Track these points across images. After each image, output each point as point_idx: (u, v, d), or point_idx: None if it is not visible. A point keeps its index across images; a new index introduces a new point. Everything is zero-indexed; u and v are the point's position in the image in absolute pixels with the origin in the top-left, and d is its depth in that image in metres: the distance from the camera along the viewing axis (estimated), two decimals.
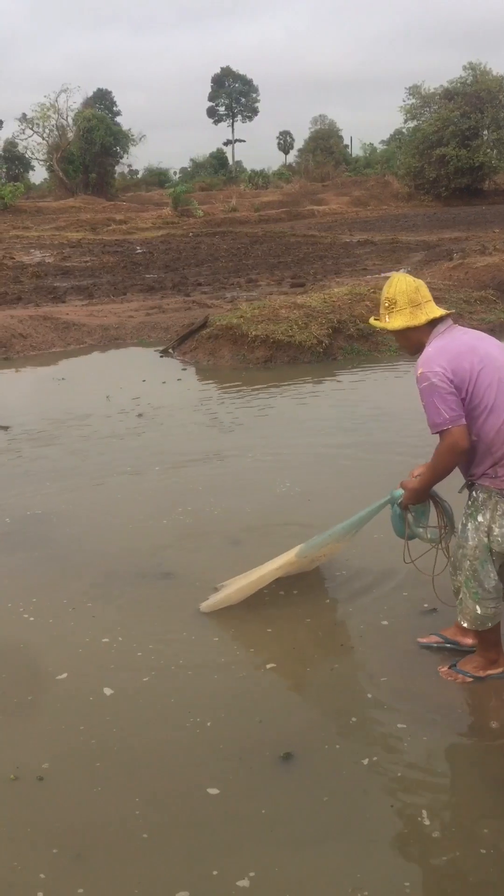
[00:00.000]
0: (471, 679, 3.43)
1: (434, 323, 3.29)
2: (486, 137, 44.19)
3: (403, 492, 3.52)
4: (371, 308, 10.60)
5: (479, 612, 3.33)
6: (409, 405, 4.68)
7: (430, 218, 33.50)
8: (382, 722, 3.21)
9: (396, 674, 3.52)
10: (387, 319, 3.34)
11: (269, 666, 3.59)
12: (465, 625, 3.40)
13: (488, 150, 43.74)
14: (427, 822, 2.66)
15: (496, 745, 3.09)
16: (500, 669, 3.46)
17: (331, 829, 2.64)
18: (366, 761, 2.97)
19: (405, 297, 3.28)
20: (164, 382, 8.89)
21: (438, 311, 3.31)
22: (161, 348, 10.71)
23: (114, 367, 10.36)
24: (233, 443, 6.78)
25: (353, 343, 10.03)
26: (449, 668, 3.51)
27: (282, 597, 4.20)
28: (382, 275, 16.24)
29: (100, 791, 2.87)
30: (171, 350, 10.56)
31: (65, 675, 3.56)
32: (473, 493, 3.31)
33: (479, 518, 3.26)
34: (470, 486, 3.33)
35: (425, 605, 4.02)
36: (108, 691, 3.43)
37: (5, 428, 7.20)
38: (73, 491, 5.77)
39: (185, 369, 9.74)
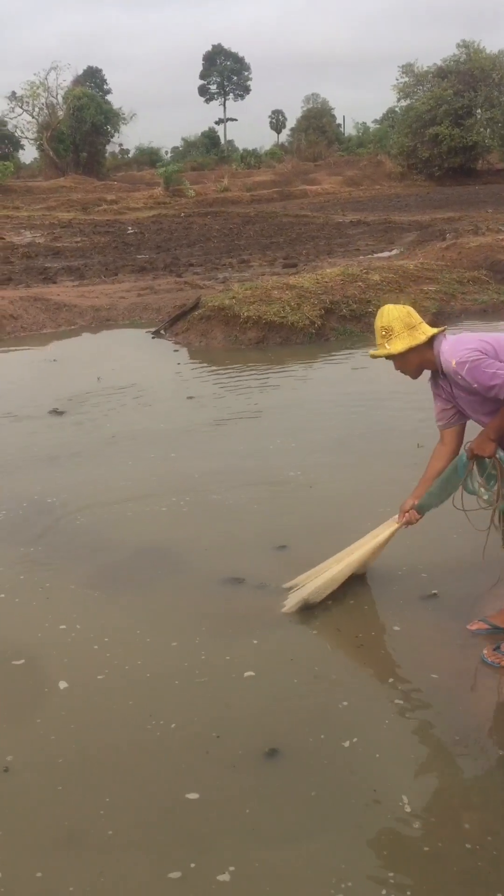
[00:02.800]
0: None
1: (431, 341, 3.45)
2: (479, 116, 43.90)
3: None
4: (364, 289, 10.59)
5: None
6: None
7: (423, 198, 33.35)
8: (370, 715, 3.15)
9: (384, 665, 3.51)
10: (387, 347, 3.47)
11: (253, 666, 3.46)
12: None
13: (481, 130, 43.49)
14: (408, 810, 2.66)
15: (482, 734, 3.09)
16: None
17: (317, 823, 2.63)
18: (347, 744, 2.97)
19: (399, 322, 3.45)
20: (190, 398, 7.88)
21: (434, 329, 3.49)
22: (153, 329, 10.66)
23: (105, 349, 10.30)
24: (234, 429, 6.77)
25: (345, 324, 10.01)
26: (493, 650, 3.48)
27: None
28: (375, 255, 16.20)
29: (65, 789, 2.83)
30: (162, 331, 10.52)
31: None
32: None
33: None
34: None
35: (433, 592, 4.02)
36: (107, 686, 3.43)
37: (60, 413, 7.12)
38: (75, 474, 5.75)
39: (176, 350, 9.71)
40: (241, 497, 5.24)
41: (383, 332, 3.48)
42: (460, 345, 3.34)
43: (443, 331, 3.51)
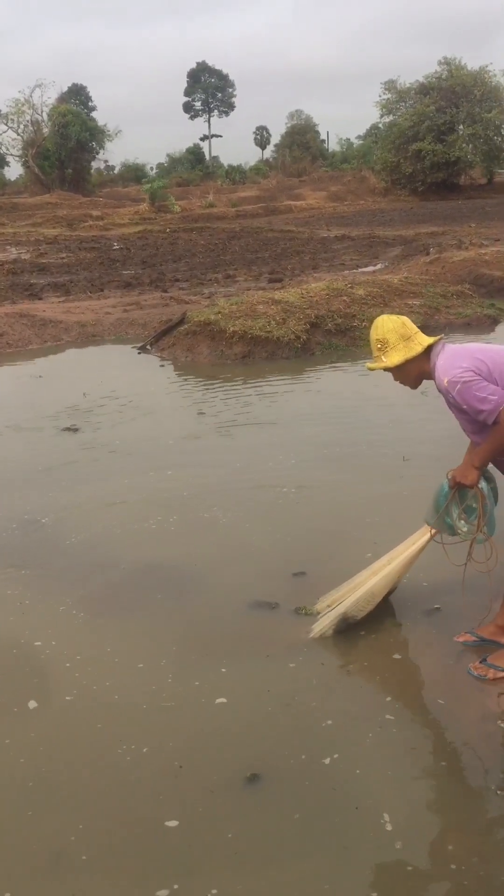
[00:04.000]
0: (503, 674, 3.38)
1: (428, 351, 3.39)
2: (461, 132, 44.42)
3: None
4: (349, 303, 10.65)
5: None
6: None
7: (407, 213, 33.62)
8: (353, 732, 3.12)
9: (366, 681, 3.47)
10: (383, 360, 3.41)
11: (227, 692, 3.38)
12: None
13: (464, 145, 43.98)
14: (389, 828, 2.63)
15: (467, 751, 3.07)
16: None
17: (301, 845, 2.59)
18: (328, 761, 2.95)
19: (395, 334, 3.39)
20: (204, 414, 8.60)
21: (430, 339, 3.43)
22: (139, 345, 10.67)
23: (91, 364, 10.30)
24: (219, 443, 6.77)
25: (330, 338, 10.05)
26: (480, 662, 3.46)
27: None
28: (359, 270, 16.31)
29: (35, 814, 2.78)
30: (148, 346, 10.53)
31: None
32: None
33: None
34: None
35: (435, 606, 4.02)
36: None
37: (74, 430, 7.10)
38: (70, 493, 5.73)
39: (163, 366, 9.72)
40: (236, 513, 5.18)
41: (379, 345, 3.42)
42: (456, 360, 3.27)
43: (439, 340, 3.44)
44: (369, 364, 3.52)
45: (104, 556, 4.66)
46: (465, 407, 3.23)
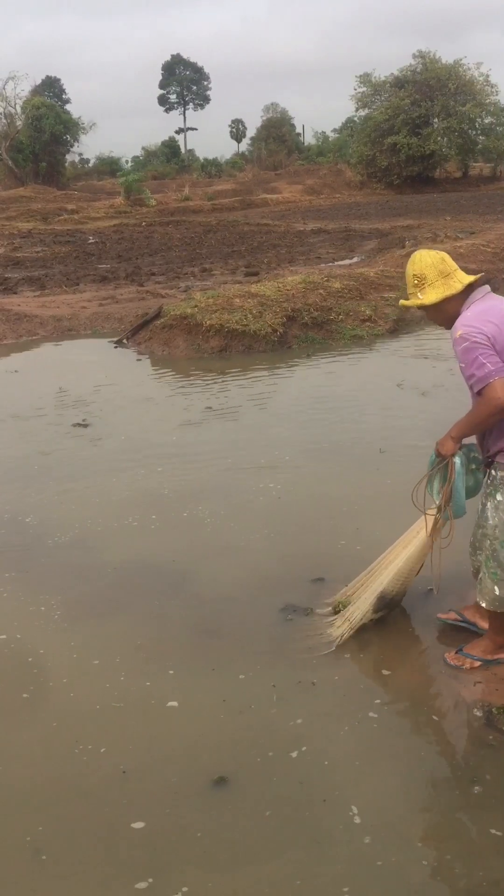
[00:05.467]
0: (479, 664, 3.40)
1: (468, 290, 3.21)
2: (436, 126, 44.62)
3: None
4: (325, 296, 10.67)
5: (497, 593, 3.27)
6: None
7: (383, 206, 33.69)
8: (321, 726, 3.11)
9: (330, 672, 3.44)
10: (419, 297, 3.21)
11: (179, 695, 3.32)
12: (484, 605, 3.35)
13: (439, 139, 44.19)
14: (358, 821, 2.63)
15: (434, 742, 3.09)
16: None
17: (272, 841, 2.58)
18: (295, 754, 2.95)
19: (433, 269, 3.19)
20: (149, 401, 8.52)
21: (470, 277, 3.23)
22: (115, 339, 10.63)
23: (68, 359, 10.24)
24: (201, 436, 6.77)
25: (307, 331, 10.06)
26: (456, 652, 3.47)
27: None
28: (336, 263, 16.32)
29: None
30: (125, 340, 10.49)
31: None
32: (492, 471, 3.27)
33: (499, 497, 3.23)
34: (489, 464, 3.30)
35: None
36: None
37: (85, 425, 7.03)
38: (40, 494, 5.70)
39: (139, 360, 9.68)
40: (223, 511, 5.12)
41: (415, 281, 3.20)
42: (480, 319, 3.10)
43: (479, 278, 3.23)
44: (403, 301, 3.34)
45: (87, 554, 4.65)
46: (461, 365, 3.13)
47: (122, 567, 4.43)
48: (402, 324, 10.65)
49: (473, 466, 3.41)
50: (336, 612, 3.79)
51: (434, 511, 3.48)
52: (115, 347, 10.35)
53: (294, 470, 5.76)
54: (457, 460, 3.35)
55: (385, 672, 3.48)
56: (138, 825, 2.67)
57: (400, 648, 3.66)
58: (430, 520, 3.50)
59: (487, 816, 2.68)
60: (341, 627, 3.66)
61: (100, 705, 3.27)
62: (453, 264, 3.24)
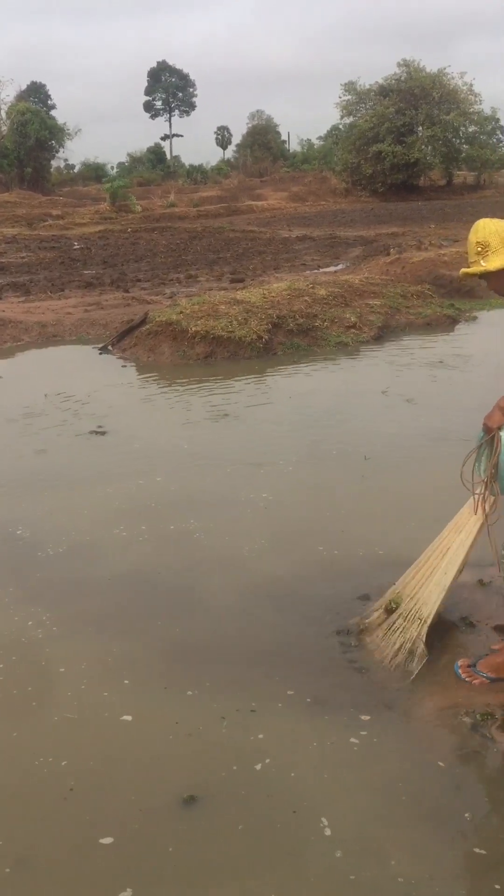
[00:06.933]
0: (487, 681, 3.32)
1: None
2: (420, 134, 44.91)
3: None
4: (310, 303, 10.69)
5: None
6: None
7: (368, 213, 33.86)
8: (285, 737, 3.07)
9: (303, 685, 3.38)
10: (482, 263, 3.14)
11: (132, 709, 3.25)
12: None
13: (423, 147, 44.50)
14: (328, 833, 2.60)
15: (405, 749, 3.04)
16: None
17: (247, 856, 2.54)
18: (259, 766, 2.93)
19: (497, 237, 3.12)
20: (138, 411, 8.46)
21: None
22: (100, 345, 10.60)
23: (52, 365, 10.21)
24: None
25: (292, 338, 10.08)
26: (469, 666, 3.39)
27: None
28: (321, 270, 16.39)
29: None
30: (110, 347, 10.46)
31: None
32: None
33: None
34: None
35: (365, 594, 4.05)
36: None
37: (102, 433, 6.97)
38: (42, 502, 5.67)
39: (124, 366, 9.66)
40: (214, 523, 5.06)
41: (479, 248, 3.13)
42: None
43: None
44: (464, 269, 3.25)
45: (80, 565, 4.63)
46: None
47: (118, 578, 4.41)
48: (387, 331, 10.70)
49: None
50: (389, 611, 3.60)
51: (480, 490, 3.32)
52: (100, 354, 10.32)
53: (281, 476, 5.77)
54: (503, 434, 3.18)
55: (362, 690, 3.36)
56: (107, 840, 2.62)
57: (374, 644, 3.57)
58: (479, 499, 3.36)
59: (471, 828, 2.64)
60: (409, 628, 3.46)
61: (59, 717, 3.23)
62: None
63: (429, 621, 3.46)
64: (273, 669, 3.49)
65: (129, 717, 3.21)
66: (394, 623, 3.55)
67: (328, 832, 2.63)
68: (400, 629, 3.51)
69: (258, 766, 2.92)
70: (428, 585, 3.51)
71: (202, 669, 3.51)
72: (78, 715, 3.25)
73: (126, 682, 3.44)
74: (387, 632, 3.55)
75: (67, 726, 3.19)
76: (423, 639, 3.45)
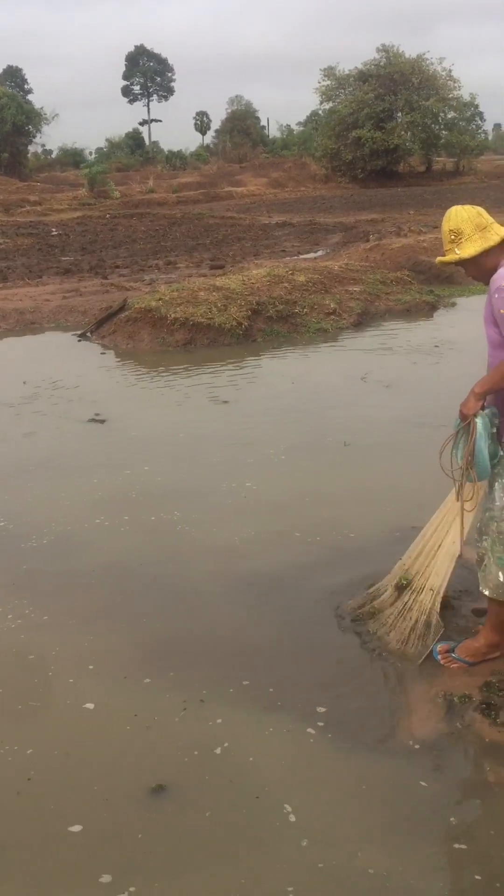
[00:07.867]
0: (466, 665, 3.36)
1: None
2: (400, 120, 44.75)
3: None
4: (290, 290, 10.67)
5: (502, 579, 3.20)
6: None
7: (347, 200, 33.78)
8: (243, 724, 3.09)
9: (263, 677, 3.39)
10: (456, 252, 3.14)
11: (92, 698, 3.28)
12: (487, 593, 3.27)
13: (402, 133, 44.31)
14: (293, 819, 2.63)
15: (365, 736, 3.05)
16: (498, 654, 3.38)
17: (214, 842, 2.56)
18: (219, 750, 2.94)
19: (470, 224, 3.13)
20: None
21: None
22: (79, 332, 10.53)
23: (31, 352, 10.12)
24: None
25: (272, 325, 10.06)
26: (447, 652, 3.42)
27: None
28: (300, 256, 16.35)
29: None
30: (88, 334, 10.40)
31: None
32: (500, 451, 3.20)
33: None
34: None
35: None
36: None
37: (101, 421, 6.90)
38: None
39: (104, 353, 9.61)
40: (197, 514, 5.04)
41: (452, 237, 3.15)
42: None
43: None
44: (440, 258, 3.26)
45: (64, 556, 4.61)
46: (500, 311, 3.04)
47: (100, 569, 4.40)
48: (367, 317, 10.70)
49: (494, 430, 3.25)
50: (399, 588, 3.63)
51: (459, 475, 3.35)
52: (79, 341, 10.26)
53: (263, 466, 5.77)
54: (479, 421, 3.18)
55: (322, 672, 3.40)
56: (75, 828, 2.63)
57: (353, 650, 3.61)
58: (457, 484, 3.38)
59: (445, 814, 2.65)
60: (423, 602, 3.50)
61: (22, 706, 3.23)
62: (489, 217, 3.19)
63: (441, 592, 3.50)
64: (273, 662, 3.52)
65: (90, 706, 3.23)
66: (406, 600, 3.59)
67: (293, 818, 2.64)
68: (415, 604, 3.55)
69: (217, 751, 2.92)
70: (437, 557, 3.55)
71: (178, 658, 3.53)
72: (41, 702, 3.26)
73: (91, 667, 3.46)
74: (402, 609, 3.59)
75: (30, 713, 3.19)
76: (438, 610, 3.50)
